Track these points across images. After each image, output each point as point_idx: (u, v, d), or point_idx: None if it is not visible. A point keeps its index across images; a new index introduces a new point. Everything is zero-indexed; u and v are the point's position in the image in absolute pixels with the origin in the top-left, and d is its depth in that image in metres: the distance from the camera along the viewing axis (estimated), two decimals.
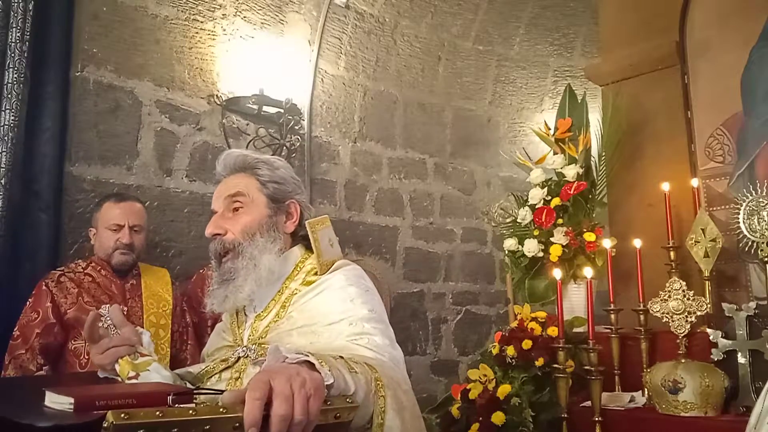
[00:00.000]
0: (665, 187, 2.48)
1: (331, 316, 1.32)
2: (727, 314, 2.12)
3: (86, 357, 2.27)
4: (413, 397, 1.19)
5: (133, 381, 1.28)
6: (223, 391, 1.15)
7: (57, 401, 0.96)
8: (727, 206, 2.46)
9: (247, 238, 1.40)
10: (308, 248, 1.47)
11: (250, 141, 3.37)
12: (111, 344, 1.30)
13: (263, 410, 0.82)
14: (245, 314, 1.46)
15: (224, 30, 3.34)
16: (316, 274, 1.42)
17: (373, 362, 1.15)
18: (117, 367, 1.30)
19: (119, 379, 1.31)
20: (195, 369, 1.45)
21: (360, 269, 1.46)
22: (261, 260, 1.38)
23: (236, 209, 1.44)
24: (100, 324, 1.33)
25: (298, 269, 1.45)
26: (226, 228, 1.42)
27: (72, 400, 0.93)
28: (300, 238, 1.49)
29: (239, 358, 1.37)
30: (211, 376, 1.39)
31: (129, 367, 1.29)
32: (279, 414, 0.82)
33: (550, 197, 2.74)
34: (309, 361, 0.94)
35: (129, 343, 1.31)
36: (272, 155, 1.67)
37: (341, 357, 1.08)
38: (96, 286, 2.38)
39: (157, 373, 1.32)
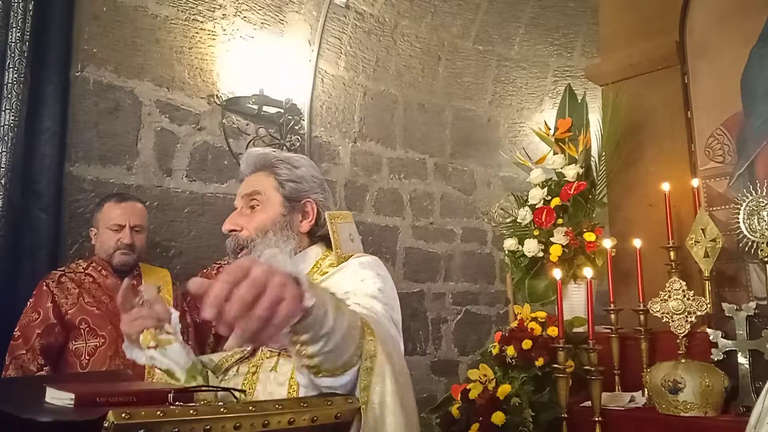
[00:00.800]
0: (665, 187, 2.48)
1: (340, 294, 1.31)
2: (727, 314, 2.13)
3: (87, 357, 2.27)
4: (402, 355, 1.18)
5: (152, 352, 1.32)
6: (225, 389, 1.15)
7: (57, 397, 0.96)
8: (727, 206, 2.46)
9: (260, 235, 1.40)
10: (329, 247, 1.47)
11: (250, 141, 3.37)
12: (140, 314, 1.33)
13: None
14: None
15: (224, 30, 3.34)
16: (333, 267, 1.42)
17: (367, 318, 1.13)
18: (141, 337, 1.33)
19: (140, 353, 1.34)
20: (216, 357, 1.47)
21: (377, 259, 1.44)
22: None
23: (253, 207, 1.45)
24: (137, 299, 1.36)
25: (318, 266, 1.45)
26: (242, 225, 1.43)
27: (72, 396, 0.93)
28: (318, 238, 1.49)
29: (255, 350, 1.38)
30: (228, 369, 1.41)
31: (151, 337, 1.32)
32: (241, 294, 0.77)
33: (550, 197, 2.74)
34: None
35: (158, 317, 1.34)
36: (295, 153, 1.67)
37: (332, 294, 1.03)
38: (97, 287, 2.38)
39: (182, 357, 1.36)
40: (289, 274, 0.86)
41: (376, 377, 1.04)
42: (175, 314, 1.40)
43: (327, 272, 1.40)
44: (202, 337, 2.64)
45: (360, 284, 1.32)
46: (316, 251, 1.48)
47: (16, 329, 2.26)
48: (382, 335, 1.10)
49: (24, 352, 2.21)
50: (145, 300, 1.37)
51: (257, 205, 1.44)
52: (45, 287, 2.31)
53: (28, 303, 2.30)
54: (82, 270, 2.41)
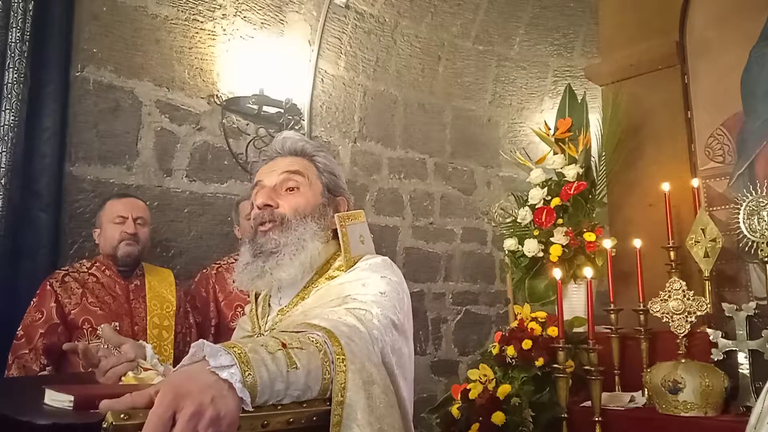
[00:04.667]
0: (665, 187, 2.48)
1: (340, 299, 1.27)
2: (727, 314, 2.12)
3: None
4: (384, 371, 1.12)
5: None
6: None
7: (56, 399, 0.96)
8: (727, 206, 2.46)
9: (298, 217, 1.34)
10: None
11: (250, 141, 3.37)
12: (109, 365, 1.26)
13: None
14: (269, 305, 1.42)
15: (224, 30, 3.34)
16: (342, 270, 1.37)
17: (342, 333, 1.08)
18: (121, 382, 1.29)
19: None
20: None
21: (387, 260, 1.39)
22: (309, 244, 1.33)
23: (290, 189, 1.37)
24: (101, 346, 1.31)
25: (329, 265, 1.40)
26: (278, 202, 1.35)
27: (71, 398, 0.93)
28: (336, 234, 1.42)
29: None
30: None
31: (133, 382, 1.28)
32: None
33: (550, 197, 2.74)
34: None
35: (127, 359, 1.28)
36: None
37: (283, 344, 0.97)
38: (100, 287, 2.39)
39: None
40: (216, 383, 0.84)
41: (346, 410, 0.99)
42: (149, 347, 1.34)
43: (334, 276, 1.36)
44: (204, 337, 2.64)
45: (361, 288, 1.27)
46: (331, 248, 1.42)
47: (19, 328, 2.26)
48: (359, 356, 1.05)
49: (27, 351, 2.22)
50: (108, 344, 1.31)
51: (296, 187, 1.37)
52: (49, 287, 2.32)
53: (32, 302, 2.31)
54: (86, 270, 2.42)
